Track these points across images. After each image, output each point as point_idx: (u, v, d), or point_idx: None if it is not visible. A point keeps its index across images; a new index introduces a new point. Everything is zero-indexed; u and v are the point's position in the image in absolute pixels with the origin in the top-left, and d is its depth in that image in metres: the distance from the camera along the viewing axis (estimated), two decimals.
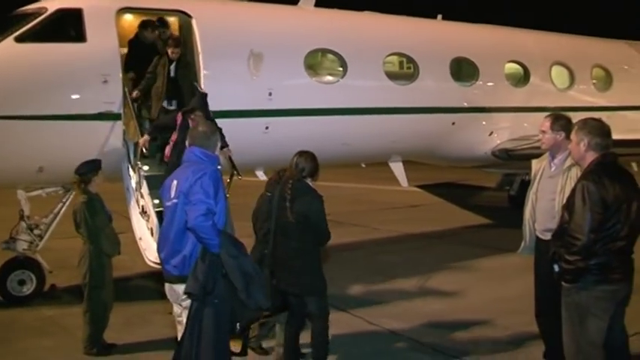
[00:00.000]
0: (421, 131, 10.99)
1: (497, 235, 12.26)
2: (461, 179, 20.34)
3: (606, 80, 13.92)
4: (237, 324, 4.83)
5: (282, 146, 9.67)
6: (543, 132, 5.66)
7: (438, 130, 11.19)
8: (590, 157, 4.58)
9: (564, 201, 4.78)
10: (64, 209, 8.64)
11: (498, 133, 11.86)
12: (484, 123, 11.69)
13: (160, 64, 8.73)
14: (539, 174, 5.74)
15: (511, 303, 7.74)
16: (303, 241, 5.69)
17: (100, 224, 6.56)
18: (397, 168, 11.50)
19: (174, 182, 4.83)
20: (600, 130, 4.63)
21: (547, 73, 12.74)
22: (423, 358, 6.48)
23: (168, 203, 4.86)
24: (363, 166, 11.87)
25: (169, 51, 8.67)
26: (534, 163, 5.95)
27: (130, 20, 9.67)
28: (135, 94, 8.71)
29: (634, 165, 14.95)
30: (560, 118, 5.68)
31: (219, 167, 5.05)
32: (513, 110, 12.06)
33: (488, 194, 17.89)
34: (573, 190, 4.45)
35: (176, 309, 5.02)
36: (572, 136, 4.72)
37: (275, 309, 5.68)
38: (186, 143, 5.16)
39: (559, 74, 13.02)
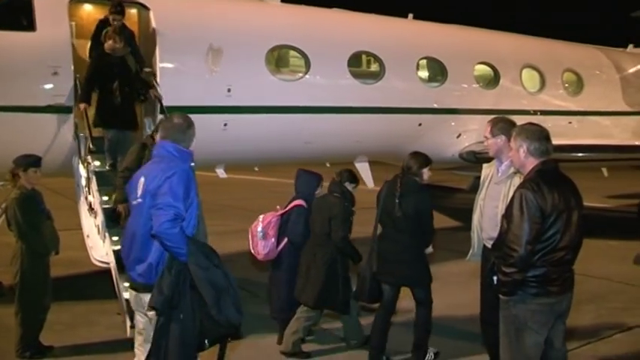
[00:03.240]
0: (386, 131, 10.79)
1: (466, 238, 12.09)
2: (434, 181, 20.19)
3: (577, 85, 13.80)
4: (206, 340, 4.31)
5: (241, 144, 9.51)
6: (486, 137, 5.48)
7: (404, 130, 11.00)
8: (530, 163, 4.38)
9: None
10: None
11: (466, 135, 11.70)
12: (452, 125, 11.52)
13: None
14: (488, 179, 5.55)
15: (466, 309, 7.57)
16: (412, 235, 5.97)
17: (32, 222, 6.17)
18: (363, 168, 11.30)
19: (142, 179, 4.36)
20: (539, 134, 4.42)
21: (517, 75, 12.59)
22: None
23: (134, 202, 4.41)
24: (328, 165, 11.65)
25: (110, 18, 8.12)
26: (485, 167, 5.76)
27: (88, 11, 9.39)
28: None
29: (604, 170, 14.97)
30: (498, 122, 5.46)
31: (192, 164, 4.64)
32: (482, 112, 11.86)
33: (461, 196, 17.75)
34: (512, 199, 4.26)
35: (139, 319, 4.56)
36: (512, 142, 4.52)
37: (373, 300, 6.16)
38: (158, 136, 4.76)
39: (530, 77, 12.89)
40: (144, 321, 4.49)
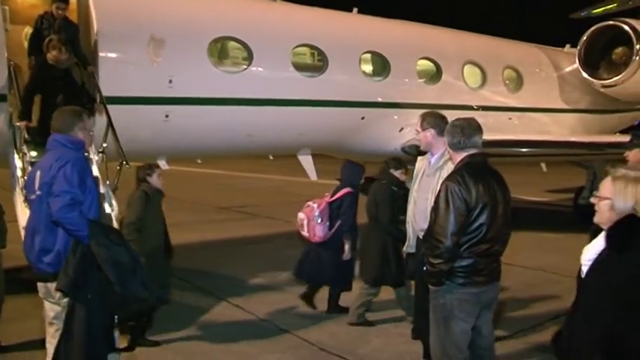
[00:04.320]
0: (329, 125, 10.84)
1: None
2: None
3: (517, 81, 14.11)
4: (116, 317, 4.52)
5: (183, 135, 9.43)
6: (417, 131, 5.60)
7: (347, 124, 11.07)
8: (459, 156, 4.50)
9: None
10: None
11: (409, 129, 11.79)
12: (394, 118, 11.62)
13: (43, 25, 7.92)
14: (421, 172, 5.67)
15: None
16: None
17: None
18: (306, 161, 11.33)
19: (38, 173, 4.49)
20: (468, 128, 4.55)
21: (459, 71, 12.78)
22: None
23: (33, 197, 4.50)
24: (271, 157, 11.67)
25: (54, 7, 7.82)
26: (419, 160, 5.89)
27: None
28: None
29: (543, 165, 15.38)
30: (427, 116, 5.61)
31: (87, 153, 4.70)
32: (425, 107, 11.97)
33: None
34: (439, 191, 4.37)
35: (49, 308, 4.59)
36: (445, 135, 4.63)
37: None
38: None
39: (471, 73, 13.10)
40: (56, 310, 4.54)
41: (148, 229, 6.45)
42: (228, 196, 18.68)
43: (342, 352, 6.35)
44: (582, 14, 19.54)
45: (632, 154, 6.48)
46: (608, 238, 2.98)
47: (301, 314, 7.54)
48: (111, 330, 4.50)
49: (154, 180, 6.82)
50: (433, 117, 5.52)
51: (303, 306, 7.68)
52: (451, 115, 12.47)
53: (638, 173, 3.02)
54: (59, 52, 7.44)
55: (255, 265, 9.90)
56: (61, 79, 7.60)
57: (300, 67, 10.35)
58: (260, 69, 9.85)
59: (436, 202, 4.33)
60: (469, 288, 4.34)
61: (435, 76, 12.39)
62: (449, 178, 4.39)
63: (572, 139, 13.11)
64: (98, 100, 8.04)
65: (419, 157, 5.90)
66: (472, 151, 4.50)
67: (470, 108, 12.84)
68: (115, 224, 7.43)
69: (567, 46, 16.98)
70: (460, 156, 4.49)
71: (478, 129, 4.60)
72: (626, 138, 13.44)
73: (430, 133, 5.45)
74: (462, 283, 4.33)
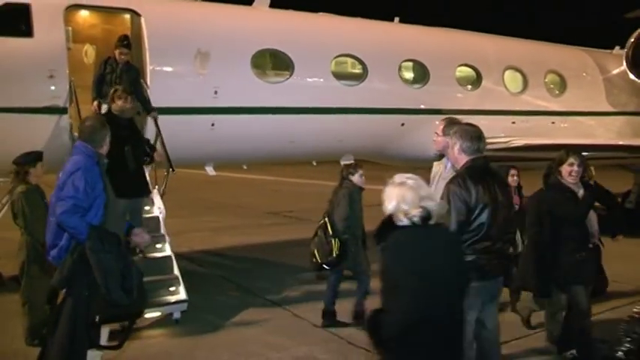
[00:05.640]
0: (369, 132, 11.26)
1: None
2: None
3: (560, 85, 14.19)
4: (97, 317, 4.79)
5: (228, 143, 10.03)
6: (436, 134, 5.90)
7: (387, 130, 11.48)
8: (462, 160, 4.87)
9: None
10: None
11: None
12: (434, 125, 11.89)
13: (107, 70, 8.49)
14: (438, 175, 6.02)
15: None
16: None
17: (37, 215, 6.52)
18: None
19: (59, 176, 4.93)
20: (472, 134, 4.90)
21: (500, 76, 13.00)
22: None
23: (53, 199, 4.94)
24: (314, 164, 12.13)
25: (117, 52, 8.45)
26: (435, 164, 6.21)
27: (84, 17, 9.94)
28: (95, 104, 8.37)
29: (592, 169, 15.32)
30: (453, 124, 5.92)
31: (100, 162, 5.04)
32: (464, 113, 12.28)
33: None
34: (443, 193, 4.75)
35: None
36: (449, 140, 5.00)
37: None
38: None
39: (512, 78, 13.29)
40: None
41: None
42: (275, 201, 19.32)
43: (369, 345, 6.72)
44: None
45: None
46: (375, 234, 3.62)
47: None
48: (94, 328, 4.81)
49: (356, 178, 7.52)
50: (455, 124, 5.83)
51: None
52: (491, 121, 12.80)
53: (405, 179, 3.56)
54: (124, 102, 7.52)
55: (297, 266, 10.32)
56: (127, 128, 7.55)
57: (340, 76, 10.81)
58: (302, 79, 10.36)
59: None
60: (471, 282, 4.69)
61: (474, 82, 12.66)
62: (451, 180, 4.76)
63: (615, 142, 13.10)
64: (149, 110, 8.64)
65: (435, 162, 6.23)
66: (475, 156, 4.85)
67: (511, 113, 13.06)
68: (162, 226, 8.11)
69: (617, 48, 16.88)
70: (464, 160, 4.86)
71: (483, 136, 4.96)
72: None
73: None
74: None
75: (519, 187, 8.22)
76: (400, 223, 3.50)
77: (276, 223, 15.52)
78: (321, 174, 20.71)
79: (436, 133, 5.92)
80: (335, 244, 7.19)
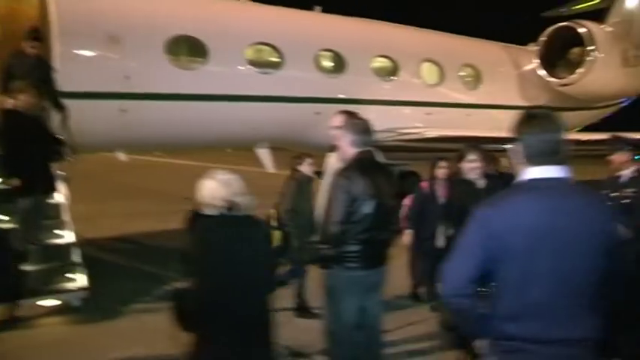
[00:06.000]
0: (284, 120, 11.33)
1: None
2: None
3: (475, 79, 14.60)
4: None
5: (139, 129, 9.91)
6: (334, 128, 6.00)
7: (302, 119, 11.56)
8: (351, 152, 5.01)
9: None
10: None
11: None
12: None
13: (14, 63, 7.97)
14: (332, 168, 6.15)
15: None
16: None
17: None
18: (263, 154, 11.83)
19: None
20: (361, 127, 5.05)
21: (416, 68, 13.29)
22: None
23: None
24: (229, 151, 12.10)
25: (26, 45, 7.91)
26: (330, 156, 6.35)
27: None
28: None
29: (502, 160, 15.85)
30: (347, 117, 6.03)
31: None
32: (380, 103, 12.56)
33: None
34: (331, 185, 4.88)
35: None
36: (344, 131, 5.12)
37: None
38: None
39: (429, 70, 13.60)
40: None
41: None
42: (195, 186, 19.14)
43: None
44: (561, 11, 20.04)
45: (616, 157, 6.68)
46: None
47: None
48: None
49: (305, 168, 7.48)
50: (352, 117, 5.93)
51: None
52: (407, 111, 13.05)
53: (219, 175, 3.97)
54: (28, 96, 7.18)
55: None
56: (33, 124, 7.25)
57: (256, 64, 10.82)
58: (216, 66, 10.31)
59: (329, 194, 4.85)
60: (355, 272, 4.84)
61: (391, 72, 12.88)
62: (338, 172, 4.90)
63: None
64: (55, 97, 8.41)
65: (329, 154, 6.36)
66: (363, 149, 4.99)
67: (426, 104, 13.37)
68: (65, 211, 7.97)
69: (531, 44, 17.46)
70: (353, 152, 4.99)
71: (371, 129, 5.11)
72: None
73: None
74: (348, 267, 4.84)
75: (451, 179, 8.11)
76: (208, 212, 3.91)
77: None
78: (246, 160, 20.77)
79: (333, 126, 6.03)
80: (277, 236, 7.17)
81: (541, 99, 16.03)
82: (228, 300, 3.77)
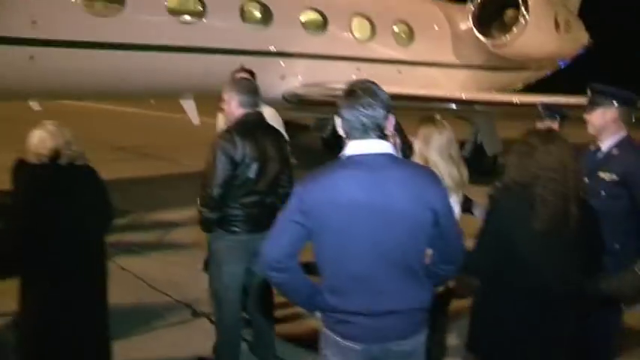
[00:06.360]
0: (207, 72, 11.00)
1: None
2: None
3: (408, 35, 14.46)
4: None
5: (51, 78, 9.50)
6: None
7: (226, 71, 11.21)
8: (238, 113, 4.86)
9: None
10: None
11: (290, 78, 12.13)
12: (276, 67, 11.89)
13: None
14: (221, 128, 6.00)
15: None
16: None
17: None
18: (188, 105, 11.54)
19: None
20: (248, 88, 4.90)
21: (347, 22, 13.06)
22: None
23: None
24: (152, 102, 11.78)
25: None
26: (219, 117, 6.22)
27: None
28: None
29: (438, 116, 15.84)
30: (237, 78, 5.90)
31: None
32: (308, 57, 12.34)
33: (308, 135, 18.35)
34: (210, 146, 4.73)
35: None
36: (225, 95, 4.95)
37: None
38: None
39: (359, 25, 13.38)
40: None
41: None
42: (129, 135, 18.74)
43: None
44: None
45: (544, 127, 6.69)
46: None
47: None
48: None
49: None
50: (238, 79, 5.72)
51: None
52: (336, 67, 12.87)
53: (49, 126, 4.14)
54: None
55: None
56: None
57: (176, 13, 10.42)
58: (133, 13, 9.88)
59: (208, 157, 4.70)
60: (239, 235, 4.76)
61: (320, 26, 12.63)
62: (220, 134, 4.75)
63: (452, 95, 13.50)
64: None
65: (219, 114, 6.22)
66: (250, 110, 4.84)
67: (356, 59, 13.21)
68: None
69: (469, 2, 17.37)
70: (239, 113, 4.84)
71: (258, 90, 4.96)
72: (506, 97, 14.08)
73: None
74: (231, 231, 4.75)
75: None
76: (34, 161, 4.07)
77: (120, 159, 15.06)
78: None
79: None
80: None
81: (474, 58, 16.07)
82: (47, 248, 3.96)
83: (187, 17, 10.66)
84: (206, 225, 4.75)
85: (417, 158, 4.52)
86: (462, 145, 14.94)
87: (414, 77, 14.48)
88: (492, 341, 3.57)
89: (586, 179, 4.54)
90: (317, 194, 2.95)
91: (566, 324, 3.52)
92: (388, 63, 14.01)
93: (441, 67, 15.36)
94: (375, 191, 2.92)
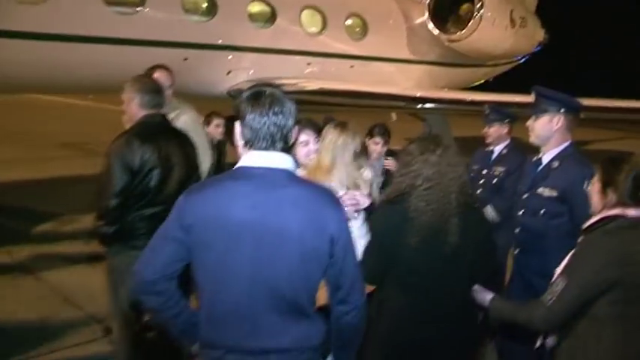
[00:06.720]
0: (147, 65, 10.48)
1: None
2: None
3: (361, 29, 14.07)
4: None
5: None
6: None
7: (167, 64, 10.72)
8: (140, 115, 4.43)
9: None
10: None
11: (237, 73, 11.68)
12: (221, 61, 11.42)
13: None
14: None
15: None
16: None
17: None
18: None
19: None
20: (148, 87, 4.48)
21: (296, 15, 12.60)
22: None
23: None
24: (90, 97, 11.24)
25: None
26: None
27: None
28: None
29: (393, 115, 15.53)
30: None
31: None
32: (255, 51, 11.88)
33: None
34: (106, 152, 4.30)
35: None
36: (125, 94, 4.53)
37: None
38: None
39: (309, 18, 12.94)
40: None
41: None
42: (79, 130, 18.07)
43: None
44: None
45: (492, 130, 6.34)
46: None
47: None
48: None
49: (211, 129, 7.31)
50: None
51: None
52: (284, 61, 12.46)
53: None
54: None
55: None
56: None
57: (111, 2, 9.86)
58: (64, 2, 9.31)
59: (104, 164, 4.27)
60: (140, 251, 4.30)
61: (268, 19, 12.16)
62: (116, 138, 4.32)
63: (405, 92, 13.18)
64: None
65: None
66: (152, 112, 4.41)
67: (306, 54, 12.79)
68: None
69: None
70: (140, 114, 4.41)
71: (161, 90, 4.53)
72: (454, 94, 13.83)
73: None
74: (132, 246, 4.31)
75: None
76: None
77: (66, 157, 14.46)
78: None
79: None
80: None
81: (430, 53, 15.76)
82: None
83: (124, 8, 10.09)
84: (103, 239, 4.31)
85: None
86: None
87: (367, 73, 14.13)
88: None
89: (525, 196, 4.29)
90: (200, 208, 2.59)
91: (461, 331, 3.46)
92: (340, 57, 13.60)
93: (395, 62, 15.00)
94: (266, 210, 2.55)
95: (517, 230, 4.50)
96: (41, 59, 9.34)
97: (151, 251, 2.76)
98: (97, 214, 4.20)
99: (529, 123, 4.44)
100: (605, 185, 3.13)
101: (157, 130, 4.35)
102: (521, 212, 4.48)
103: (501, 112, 6.39)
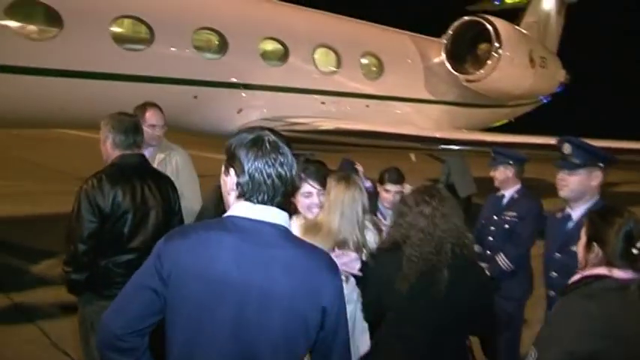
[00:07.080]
0: (157, 102, 10.36)
1: None
2: None
3: (377, 68, 13.88)
4: None
5: None
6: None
7: (177, 102, 10.62)
8: (115, 155, 4.19)
9: None
10: None
11: (248, 112, 11.51)
12: (231, 99, 11.27)
13: None
14: None
15: None
16: None
17: None
18: None
19: None
20: (123, 125, 4.23)
21: (309, 53, 12.45)
22: None
23: None
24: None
25: None
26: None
27: None
28: None
29: (412, 156, 15.17)
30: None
31: None
32: (267, 89, 11.73)
33: None
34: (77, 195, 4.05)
35: None
36: (101, 133, 4.30)
37: None
38: None
39: (323, 57, 12.79)
40: None
41: None
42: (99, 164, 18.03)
43: None
44: (495, 2, 19.65)
45: (497, 173, 6.10)
46: None
47: None
48: None
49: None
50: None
51: None
52: (298, 99, 12.28)
53: None
54: None
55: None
56: None
57: (120, 40, 9.79)
58: (74, 40, 9.24)
59: (73, 206, 4.02)
60: (104, 301, 4.04)
61: (281, 57, 12.02)
62: (86, 180, 4.06)
63: (413, 132, 12.83)
64: None
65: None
66: (127, 152, 4.17)
67: (320, 92, 12.61)
68: None
69: (444, 36, 16.87)
70: (115, 155, 4.17)
71: (137, 128, 4.28)
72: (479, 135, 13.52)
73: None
74: (103, 295, 4.03)
75: None
76: None
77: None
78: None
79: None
80: None
81: (448, 93, 15.53)
82: None
83: (134, 45, 10.01)
84: (72, 287, 4.03)
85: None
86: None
87: (383, 112, 13.90)
88: None
89: (558, 256, 4.05)
90: (182, 256, 2.27)
91: None
92: (355, 97, 13.39)
93: (412, 102, 14.75)
94: (252, 269, 2.25)
95: (551, 294, 4.21)
96: (53, 95, 9.30)
97: (123, 300, 2.40)
98: (65, 259, 3.94)
99: (562, 176, 4.17)
100: (591, 239, 2.84)
101: (133, 172, 4.09)
102: (554, 274, 4.18)
103: (504, 154, 6.10)
